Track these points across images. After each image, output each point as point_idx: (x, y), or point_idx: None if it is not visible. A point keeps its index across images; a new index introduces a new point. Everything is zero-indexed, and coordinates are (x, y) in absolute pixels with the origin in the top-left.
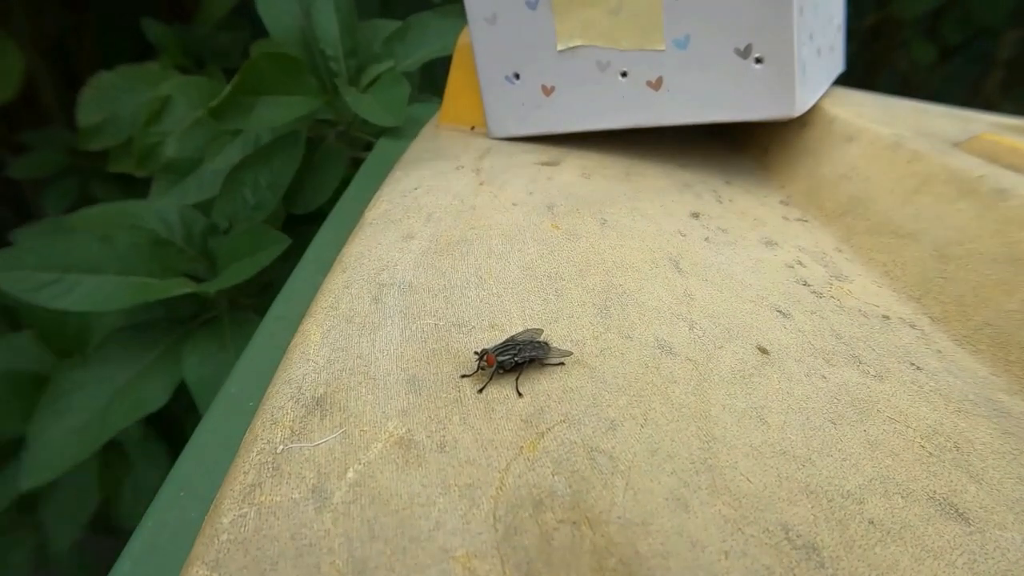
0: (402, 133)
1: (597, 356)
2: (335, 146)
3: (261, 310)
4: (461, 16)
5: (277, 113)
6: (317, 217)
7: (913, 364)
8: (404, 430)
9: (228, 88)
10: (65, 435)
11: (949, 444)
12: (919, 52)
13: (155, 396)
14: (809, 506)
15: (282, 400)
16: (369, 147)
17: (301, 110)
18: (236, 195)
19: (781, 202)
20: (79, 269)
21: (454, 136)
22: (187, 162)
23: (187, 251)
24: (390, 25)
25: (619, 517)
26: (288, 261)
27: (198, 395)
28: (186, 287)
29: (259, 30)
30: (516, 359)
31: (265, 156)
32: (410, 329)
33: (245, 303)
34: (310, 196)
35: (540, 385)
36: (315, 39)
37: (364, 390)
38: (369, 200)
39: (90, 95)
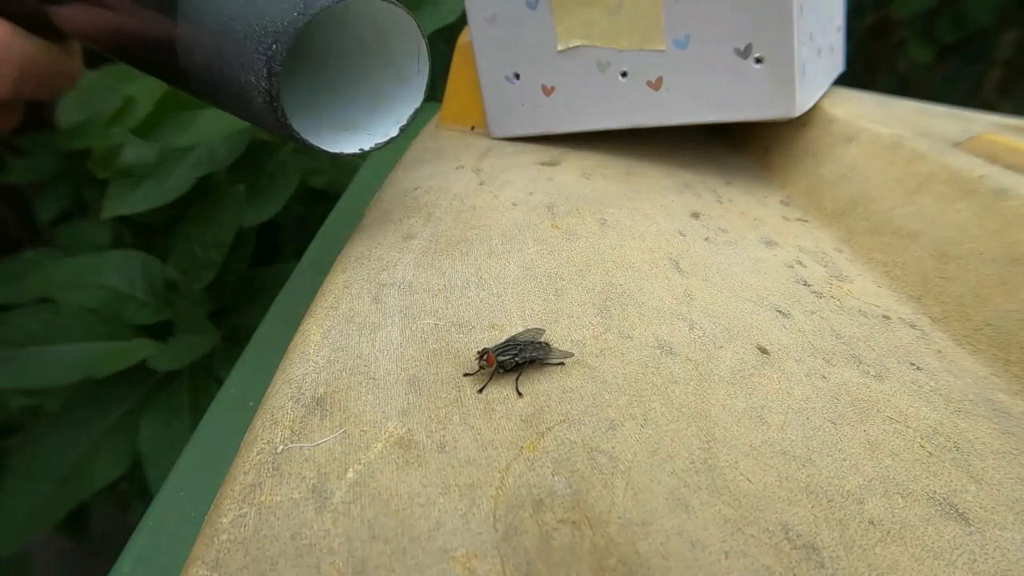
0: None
1: (597, 356)
2: (290, 158)
3: (230, 354)
4: (428, 15)
5: (219, 126)
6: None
7: (913, 364)
8: (404, 430)
9: (155, 103)
10: (32, 506)
11: (949, 444)
12: (917, 52)
13: (116, 464)
14: (809, 506)
15: (282, 400)
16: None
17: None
18: (187, 250)
19: (781, 202)
20: (32, 342)
21: (454, 136)
22: (146, 167)
23: (151, 303)
24: None
25: (619, 517)
26: (255, 302)
27: (150, 468)
28: (143, 352)
29: None
30: (516, 359)
31: (211, 211)
32: (410, 329)
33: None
34: (262, 207)
35: (540, 385)
36: None
37: (364, 390)
38: (369, 200)
39: (73, 94)
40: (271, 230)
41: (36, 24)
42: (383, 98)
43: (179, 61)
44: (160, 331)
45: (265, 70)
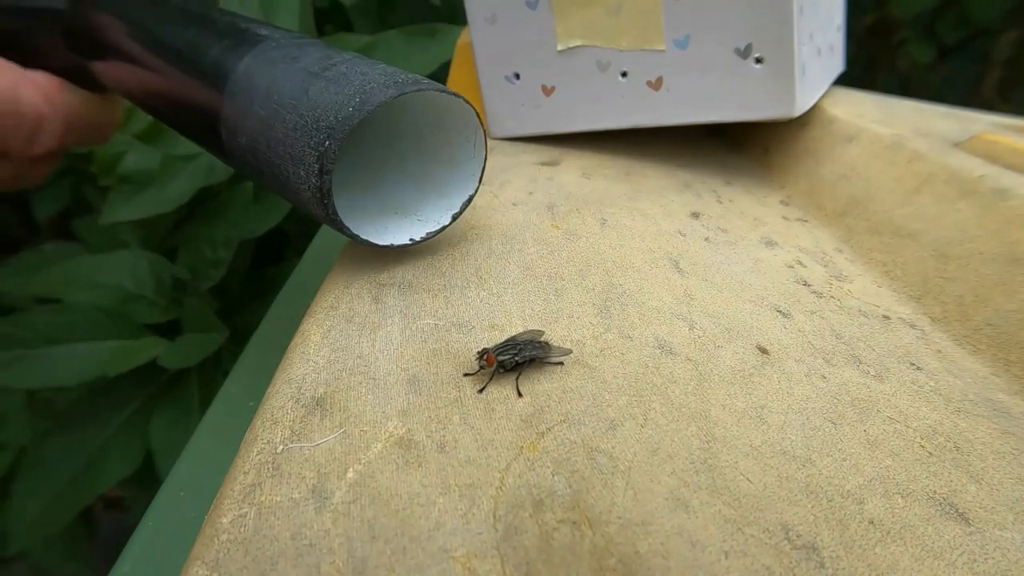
0: None
1: (597, 356)
2: None
3: (237, 353)
4: (429, 37)
5: None
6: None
7: (913, 364)
8: (404, 430)
9: None
10: (44, 503)
11: (949, 444)
12: (917, 52)
13: (127, 461)
14: (809, 506)
15: (282, 400)
16: None
17: None
18: (195, 248)
19: (781, 202)
20: (41, 343)
21: None
22: (146, 173)
23: (159, 302)
24: (357, 40)
25: (619, 517)
26: (261, 300)
27: (162, 465)
28: (153, 351)
29: None
30: (516, 359)
31: (221, 210)
32: (410, 329)
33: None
34: (262, 218)
35: (540, 385)
36: None
37: (364, 390)
38: None
39: None
40: (274, 235)
41: (79, 76)
42: (434, 180)
43: (223, 138)
44: (168, 330)
45: (316, 167)
